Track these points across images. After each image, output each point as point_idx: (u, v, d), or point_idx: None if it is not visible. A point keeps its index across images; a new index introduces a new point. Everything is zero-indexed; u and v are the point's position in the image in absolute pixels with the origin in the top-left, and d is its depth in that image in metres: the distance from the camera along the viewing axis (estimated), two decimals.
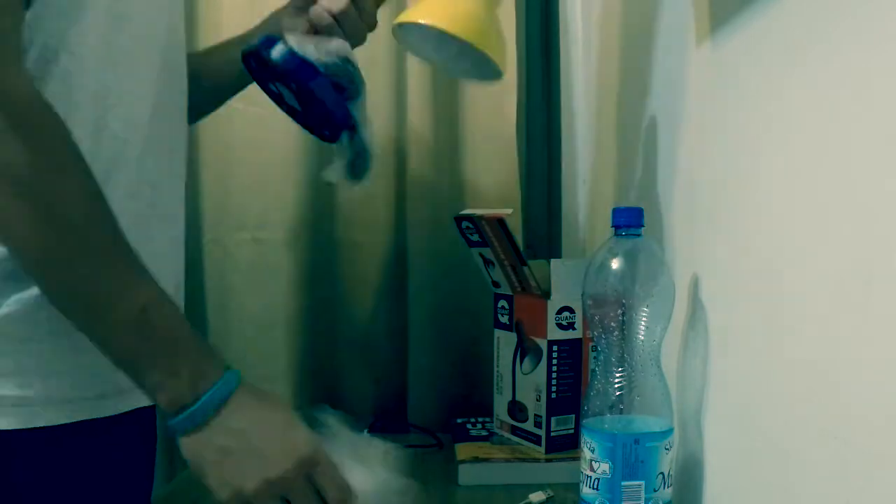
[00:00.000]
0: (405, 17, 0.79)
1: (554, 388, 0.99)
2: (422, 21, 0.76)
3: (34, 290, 0.67)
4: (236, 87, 0.98)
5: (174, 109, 0.81)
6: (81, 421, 0.70)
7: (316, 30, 0.83)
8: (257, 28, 0.95)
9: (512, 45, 1.24)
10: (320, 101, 0.79)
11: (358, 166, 0.83)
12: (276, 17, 0.92)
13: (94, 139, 0.69)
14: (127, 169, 0.73)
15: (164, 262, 0.79)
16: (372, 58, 1.24)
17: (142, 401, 0.76)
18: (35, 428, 0.67)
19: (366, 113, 0.83)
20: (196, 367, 0.66)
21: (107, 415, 0.71)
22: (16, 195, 0.60)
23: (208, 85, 0.92)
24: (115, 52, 0.71)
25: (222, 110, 1.23)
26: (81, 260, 0.63)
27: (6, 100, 0.59)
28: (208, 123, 1.24)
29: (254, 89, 1.22)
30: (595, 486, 0.72)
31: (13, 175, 0.59)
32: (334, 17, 0.83)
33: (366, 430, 1.14)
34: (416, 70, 1.23)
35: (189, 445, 0.66)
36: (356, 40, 0.87)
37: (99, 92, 0.70)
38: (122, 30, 0.71)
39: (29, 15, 0.64)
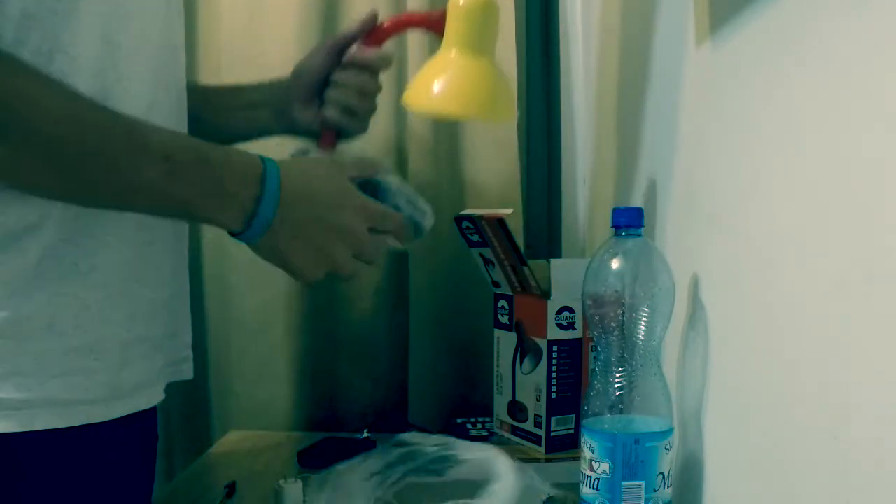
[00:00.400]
0: (415, 101, 0.81)
1: (554, 388, 0.99)
2: (439, 109, 0.81)
3: (34, 293, 0.67)
4: (238, 138, 0.96)
5: (174, 108, 0.80)
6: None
7: (335, 129, 0.88)
8: (268, 88, 0.95)
9: (512, 44, 1.24)
10: None
11: (417, 230, 0.87)
12: (284, 90, 0.92)
13: None
14: None
15: (169, 256, 0.79)
16: None
17: (140, 405, 0.76)
18: (34, 430, 0.67)
19: (408, 197, 0.85)
20: (241, 180, 0.70)
21: (106, 419, 0.71)
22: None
23: (209, 125, 0.90)
24: (115, 51, 0.71)
25: None
26: (90, 150, 0.64)
27: None
28: None
29: None
30: (595, 486, 0.72)
31: None
32: (347, 111, 0.88)
33: (365, 431, 1.14)
34: (417, 69, 1.23)
35: (265, 247, 0.73)
36: (363, 129, 0.91)
37: (98, 93, 0.69)
38: (122, 29, 0.71)
39: (20, 14, 0.64)
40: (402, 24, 0.91)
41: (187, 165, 0.68)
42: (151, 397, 0.78)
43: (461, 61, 0.80)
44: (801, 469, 0.55)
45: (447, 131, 1.26)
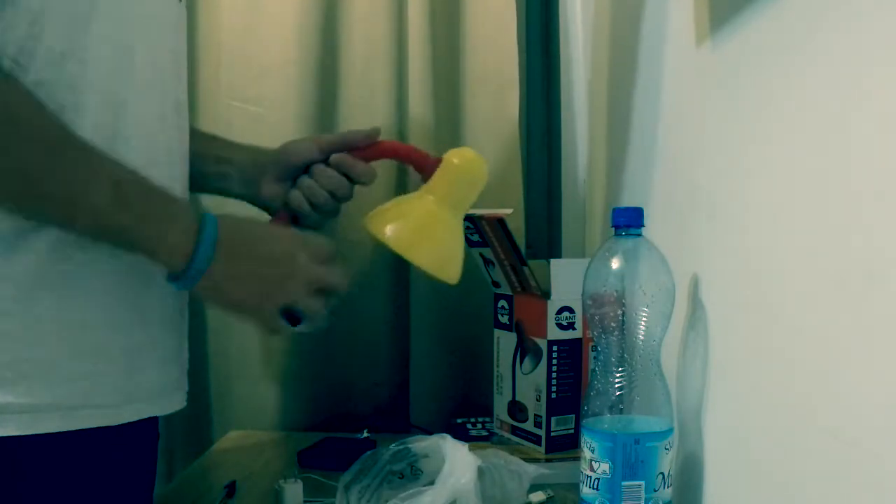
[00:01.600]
0: (378, 228, 0.83)
1: (554, 388, 0.99)
2: (401, 250, 0.83)
3: (39, 295, 0.66)
4: (208, 188, 0.94)
5: (177, 118, 0.80)
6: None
7: (294, 214, 0.88)
8: (242, 151, 0.94)
9: (513, 44, 1.24)
10: None
11: None
12: (259, 159, 0.91)
13: (108, 145, 0.68)
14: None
15: None
16: (373, 57, 1.24)
17: (153, 411, 0.76)
18: (39, 434, 0.67)
19: None
20: (180, 224, 0.70)
21: (115, 424, 0.71)
22: None
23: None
24: (132, 58, 0.71)
25: (222, 110, 1.23)
26: (39, 165, 0.63)
27: None
28: (208, 123, 1.24)
29: (251, 89, 1.23)
30: (595, 486, 0.72)
31: None
32: (312, 204, 0.87)
33: (365, 431, 1.14)
34: (418, 69, 1.23)
35: (203, 291, 0.73)
36: (318, 226, 0.90)
37: (115, 98, 0.69)
38: (136, 37, 0.71)
39: (38, 9, 0.64)
40: (397, 153, 0.92)
41: (134, 196, 0.68)
42: (166, 406, 0.78)
43: (438, 215, 0.84)
44: (801, 469, 0.55)
45: (448, 131, 1.26)
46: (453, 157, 0.86)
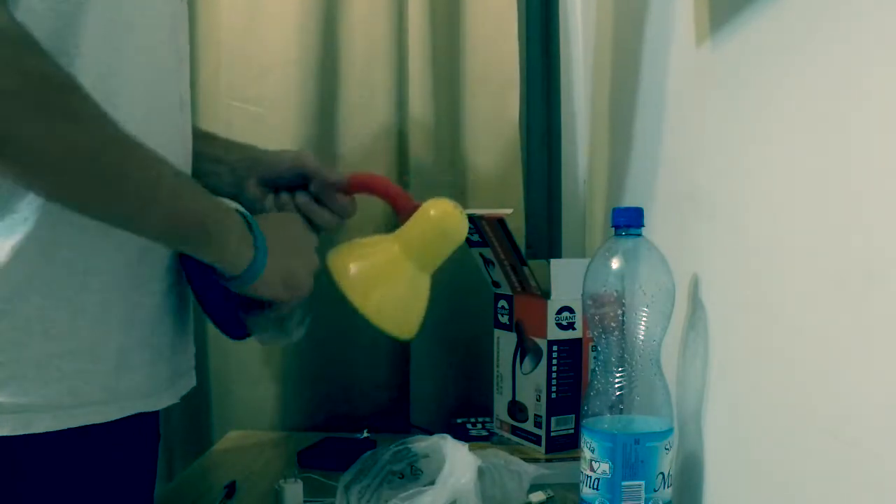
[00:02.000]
0: (338, 270, 0.82)
1: (554, 388, 0.99)
2: (355, 300, 0.81)
3: (30, 296, 0.66)
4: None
5: (175, 119, 0.80)
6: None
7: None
8: (240, 150, 0.94)
9: (513, 44, 1.24)
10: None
11: (284, 331, 0.91)
12: (248, 162, 0.92)
13: None
14: None
15: (171, 268, 0.79)
16: (373, 57, 1.24)
17: (139, 408, 0.76)
18: (35, 433, 0.67)
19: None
20: (237, 228, 0.75)
21: (102, 421, 0.71)
22: (52, 118, 0.60)
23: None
24: (120, 58, 0.71)
25: (222, 110, 1.23)
26: (122, 158, 0.64)
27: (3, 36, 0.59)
28: (208, 123, 1.24)
29: (251, 89, 1.23)
30: (595, 486, 0.72)
31: (44, 104, 0.60)
32: (300, 209, 0.88)
33: (365, 431, 1.14)
34: (418, 69, 1.23)
35: (259, 286, 0.78)
36: (323, 229, 0.90)
37: (100, 97, 0.69)
38: (127, 38, 0.71)
39: (24, 8, 0.64)
40: (375, 189, 0.88)
41: (195, 185, 0.72)
42: (155, 403, 0.78)
43: (401, 266, 0.81)
44: (801, 469, 0.55)
45: (448, 118, 1.26)
46: (431, 207, 0.81)
